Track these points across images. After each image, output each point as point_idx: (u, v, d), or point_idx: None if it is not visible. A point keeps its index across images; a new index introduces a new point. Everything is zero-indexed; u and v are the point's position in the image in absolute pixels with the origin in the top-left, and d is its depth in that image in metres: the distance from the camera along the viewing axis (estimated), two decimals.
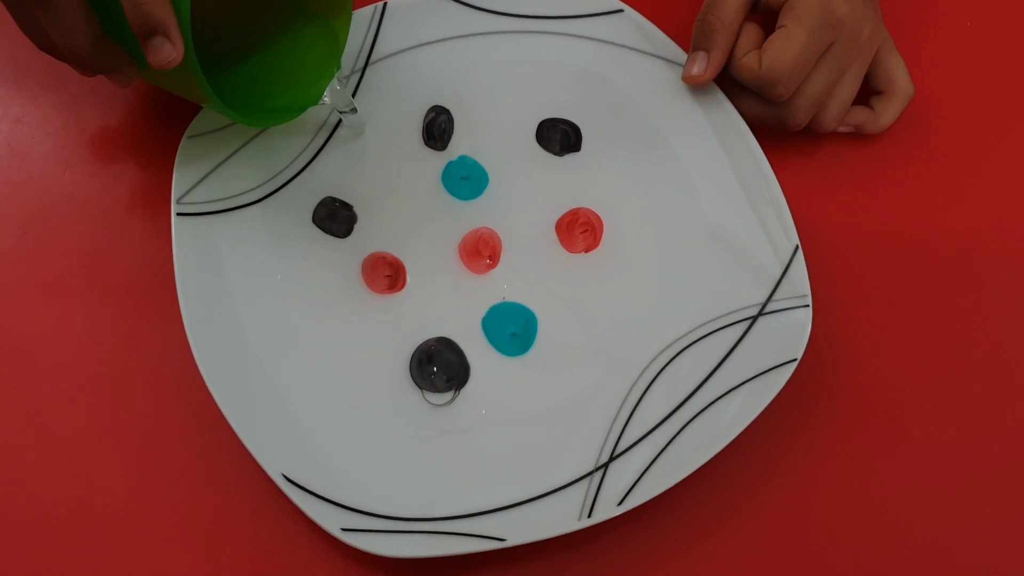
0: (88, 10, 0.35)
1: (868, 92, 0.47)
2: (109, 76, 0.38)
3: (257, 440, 0.38)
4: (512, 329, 0.43)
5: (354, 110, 0.44)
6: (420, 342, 0.42)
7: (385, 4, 0.46)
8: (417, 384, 0.42)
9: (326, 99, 0.43)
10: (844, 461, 0.42)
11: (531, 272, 0.44)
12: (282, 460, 0.38)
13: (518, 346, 0.43)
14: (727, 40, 0.44)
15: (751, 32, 0.44)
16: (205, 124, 0.44)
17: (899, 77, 0.46)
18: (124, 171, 0.46)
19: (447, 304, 0.43)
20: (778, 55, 0.42)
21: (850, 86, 0.45)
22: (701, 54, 0.44)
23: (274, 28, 0.43)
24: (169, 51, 0.34)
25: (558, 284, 0.44)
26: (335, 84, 0.43)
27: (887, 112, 0.46)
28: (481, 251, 0.44)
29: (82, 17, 0.35)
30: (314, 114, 0.45)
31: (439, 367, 0.42)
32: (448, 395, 0.42)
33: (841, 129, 0.47)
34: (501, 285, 0.44)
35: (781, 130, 0.46)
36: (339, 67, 0.43)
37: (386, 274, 0.43)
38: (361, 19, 0.46)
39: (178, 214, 0.42)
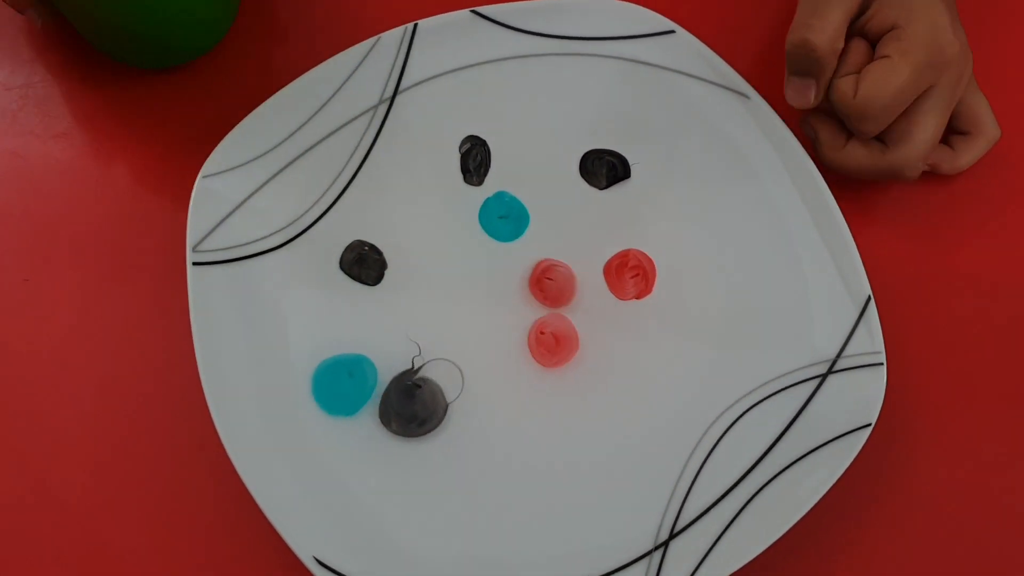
0: None
1: (948, 131, 0.43)
2: None
3: (287, 520, 0.35)
4: None
5: None
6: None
7: (416, 26, 0.42)
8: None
9: None
10: (921, 538, 0.39)
11: (578, 321, 0.41)
12: (314, 542, 0.35)
13: None
14: (833, 65, 0.40)
15: (858, 51, 0.40)
16: (221, 162, 0.40)
17: (986, 119, 0.42)
18: (133, 214, 0.42)
19: (486, 356, 0.40)
20: (876, 87, 0.38)
21: (939, 127, 0.41)
22: (809, 81, 0.40)
23: None
24: None
25: (608, 334, 0.40)
26: None
27: (968, 153, 0.43)
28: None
29: None
30: (339, 144, 0.41)
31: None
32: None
33: None
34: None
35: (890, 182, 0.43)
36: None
37: None
38: (389, 43, 0.42)
39: (194, 264, 0.38)
